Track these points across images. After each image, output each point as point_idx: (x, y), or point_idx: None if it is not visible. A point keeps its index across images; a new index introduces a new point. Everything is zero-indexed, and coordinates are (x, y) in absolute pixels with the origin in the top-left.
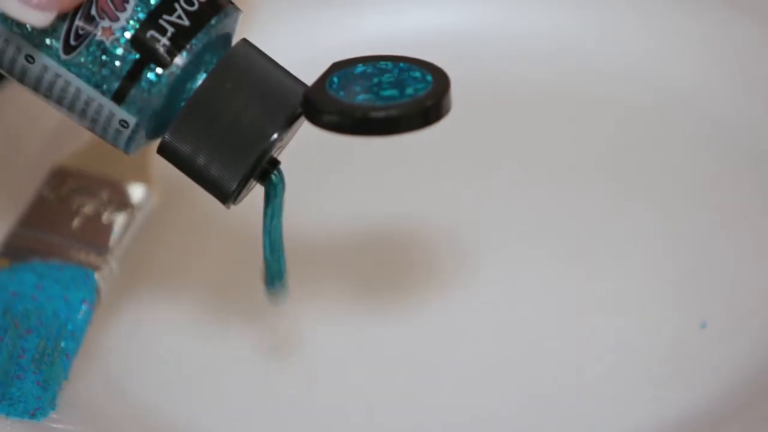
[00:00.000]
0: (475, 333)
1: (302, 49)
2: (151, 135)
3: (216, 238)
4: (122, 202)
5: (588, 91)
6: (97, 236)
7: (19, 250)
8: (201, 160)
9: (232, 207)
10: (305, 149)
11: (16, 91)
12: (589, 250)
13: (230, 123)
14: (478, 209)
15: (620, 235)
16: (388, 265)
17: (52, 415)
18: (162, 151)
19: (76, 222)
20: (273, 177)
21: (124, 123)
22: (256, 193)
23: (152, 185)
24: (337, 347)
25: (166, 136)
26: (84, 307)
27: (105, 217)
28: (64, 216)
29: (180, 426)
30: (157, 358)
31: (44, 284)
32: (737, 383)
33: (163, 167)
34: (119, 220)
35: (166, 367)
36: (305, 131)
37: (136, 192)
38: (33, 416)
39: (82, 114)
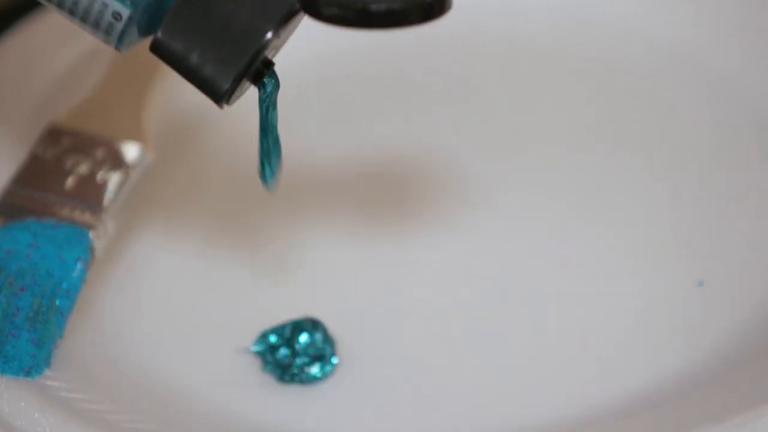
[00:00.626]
0: (471, 288)
1: None
2: (144, 31)
3: (210, 197)
4: (116, 161)
5: (587, 48)
6: (91, 195)
7: (13, 209)
8: (194, 59)
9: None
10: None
11: (9, 50)
12: (587, 209)
13: (224, 20)
14: (479, 161)
15: (618, 193)
16: (391, 199)
17: (47, 372)
18: (154, 48)
19: (70, 181)
20: (265, 80)
21: (117, 15)
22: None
23: (146, 144)
24: (338, 287)
25: (159, 33)
26: (79, 265)
27: (99, 176)
28: (59, 175)
29: (174, 383)
30: (152, 315)
31: (39, 243)
32: (735, 341)
33: (158, 125)
34: (113, 179)
35: (160, 325)
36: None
37: (131, 151)
38: (28, 374)
39: (74, 5)
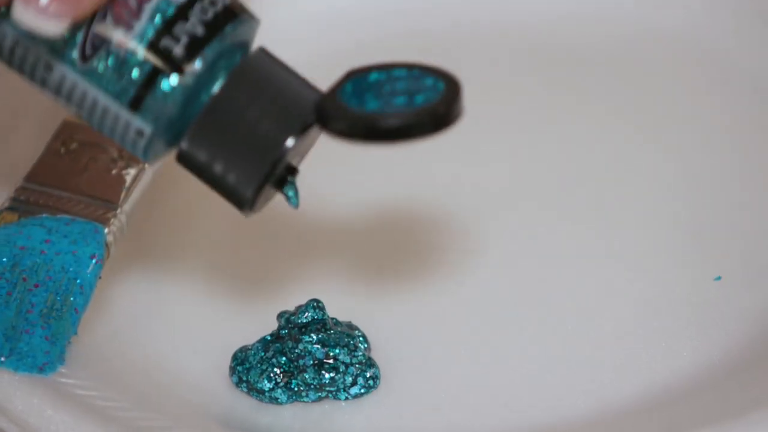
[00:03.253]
0: (489, 286)
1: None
2: (169, 143)
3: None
4: (131, 158)
5: (590, 37)
6: (106, 191)
7: (27, 204)
8: (217, 169)
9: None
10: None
11: None
12: (604, 203)
13: (245, 131)
14: (492, 158)
15: (634, 187)
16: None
17: (61, 369)
18: (179, 159)
19: (85, 177)
20: (287, 187)
21: (140, 132)
22: None
23: None
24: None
25: (183, 144)
26: (93, 261)
27: (114, 172)
28: (74, 171)
29: (187, 378)
30: (165, 312)
31: (53, 239)
32: (752, 335)
33: None
34: (128, 175)
35: (173, 322)
36: None
37: None
38: (41, 371)
39: (101, 122)
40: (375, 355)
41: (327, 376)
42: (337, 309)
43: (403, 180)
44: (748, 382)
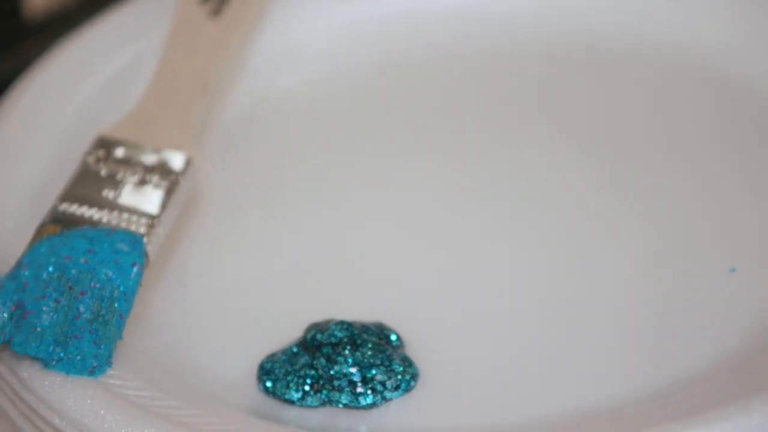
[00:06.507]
0: (500, 287)
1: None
2: None
3: (257, 204)
4: (165, 170)
5: (604, 51)
6: (142, 203)
7: (69, 217)
8: None
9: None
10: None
11: (56, 61)
12: (617, 199)
13: None
14: (499, 157)
15: (648, 182)
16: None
17: (109, 371)
18: None
19: (122, 190)
20: None
21: None
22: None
23: (194, 153)
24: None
25: None
26: (134, 269)
27: (150, 185)
28: (110, 184)
29: (224, 377)
30: (204, 315)
31: (95, 248)
32: (767, 328)
33: (204, 134)
34: (163, 187)
35: (212, 325)
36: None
37: (178, 159)
38: (91, 373)
39: None
40: (408, 348)
41: (365, 401)
42: (365, 310)
43: (430, 181)
44: (764, 376)
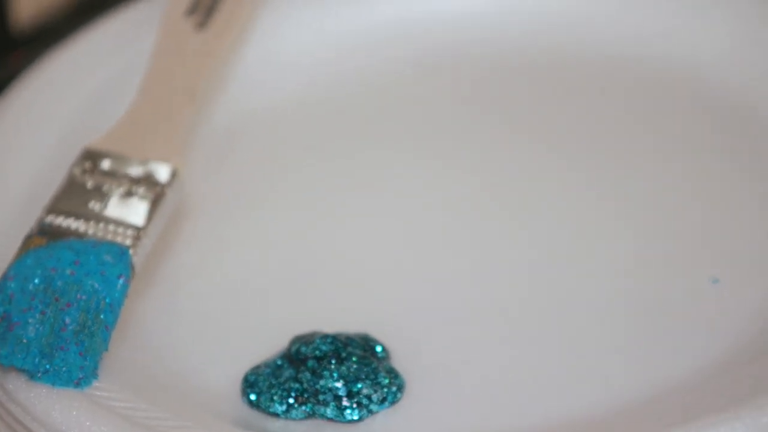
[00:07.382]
0: (487, 296)
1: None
2: None
3: (245, 215)
4: (151, 182)
5: (602, 63)
6: (129, 215)
7: (55, 229)
8: None
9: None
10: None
11: (43, 73)
12: (601, 207)
13: None
14: (503, 166)
15: (631, 191)
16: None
17: (95, 383)
18: None
19: (108, 202)
20: None
21: None
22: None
23: (181, 165)
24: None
25: None
26: (120, 281)
27: (135, 196)
28: (96, 196)
29: (212, 388)
30: (188, 326)
31: (81, 260)
32: (750, 337)
33: (191, 145)
34: (149, 199)
35: (196, 335)
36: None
37: (165, 172)
38: (77, 385)
39: None
40: (394, 358)
41: (351, 416)
42: (351, 320)
43: (418, 190)
44: (745, 382)
